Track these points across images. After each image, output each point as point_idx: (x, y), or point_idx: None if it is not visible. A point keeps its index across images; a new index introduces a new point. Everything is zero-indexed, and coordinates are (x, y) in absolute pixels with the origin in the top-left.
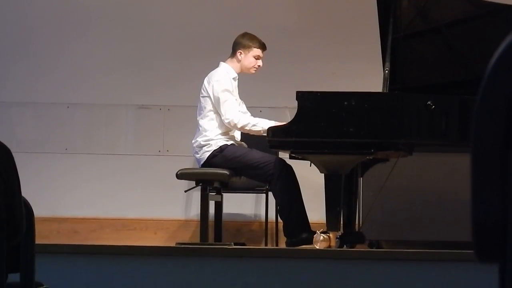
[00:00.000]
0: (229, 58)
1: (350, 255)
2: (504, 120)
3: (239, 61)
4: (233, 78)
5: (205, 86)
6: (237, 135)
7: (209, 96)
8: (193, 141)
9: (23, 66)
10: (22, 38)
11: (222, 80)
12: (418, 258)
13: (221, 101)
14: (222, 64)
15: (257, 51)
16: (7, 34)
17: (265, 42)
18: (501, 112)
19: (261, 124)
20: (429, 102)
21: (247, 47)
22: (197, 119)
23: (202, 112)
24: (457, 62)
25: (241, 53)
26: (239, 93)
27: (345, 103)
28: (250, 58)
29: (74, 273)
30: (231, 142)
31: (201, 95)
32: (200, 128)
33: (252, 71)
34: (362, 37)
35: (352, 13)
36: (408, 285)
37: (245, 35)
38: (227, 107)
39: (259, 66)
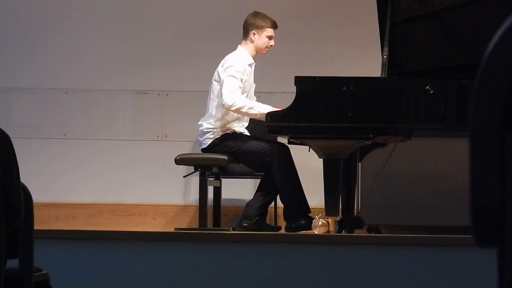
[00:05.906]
0: (243, 41)
1: (349, 240)
2: (502, 102)
3: (252, 42)
4: (249, 64)
5: (218, 70)
6: (243, 123)
7: (219, 81)
8: (199, 123)
9: (21, 51)
10: (19, 23)
11: (235, 66)
12: (417, 242)
13: (224, 83)
14: (239, 48)
15: (270, 31)
16: (3, 19)
17: None
18: (499, 94)
19: (258, 108)
20: (427, 87)
21: (260, 28)
22: (207, 101)
23: (211, 95)
24: (455, 46)
25: (254, 33)
26: None
27: (344, 88)
28: (263, 38)
29: (72, 259)
30: (233, 130)
31: (213, 78)
32: (208, 111)
33: (264, 51)
34: (361, 21)
35: None
36: (407, 270)
37: (257, 14)
38: (228, 90)
39: (271, 45)
